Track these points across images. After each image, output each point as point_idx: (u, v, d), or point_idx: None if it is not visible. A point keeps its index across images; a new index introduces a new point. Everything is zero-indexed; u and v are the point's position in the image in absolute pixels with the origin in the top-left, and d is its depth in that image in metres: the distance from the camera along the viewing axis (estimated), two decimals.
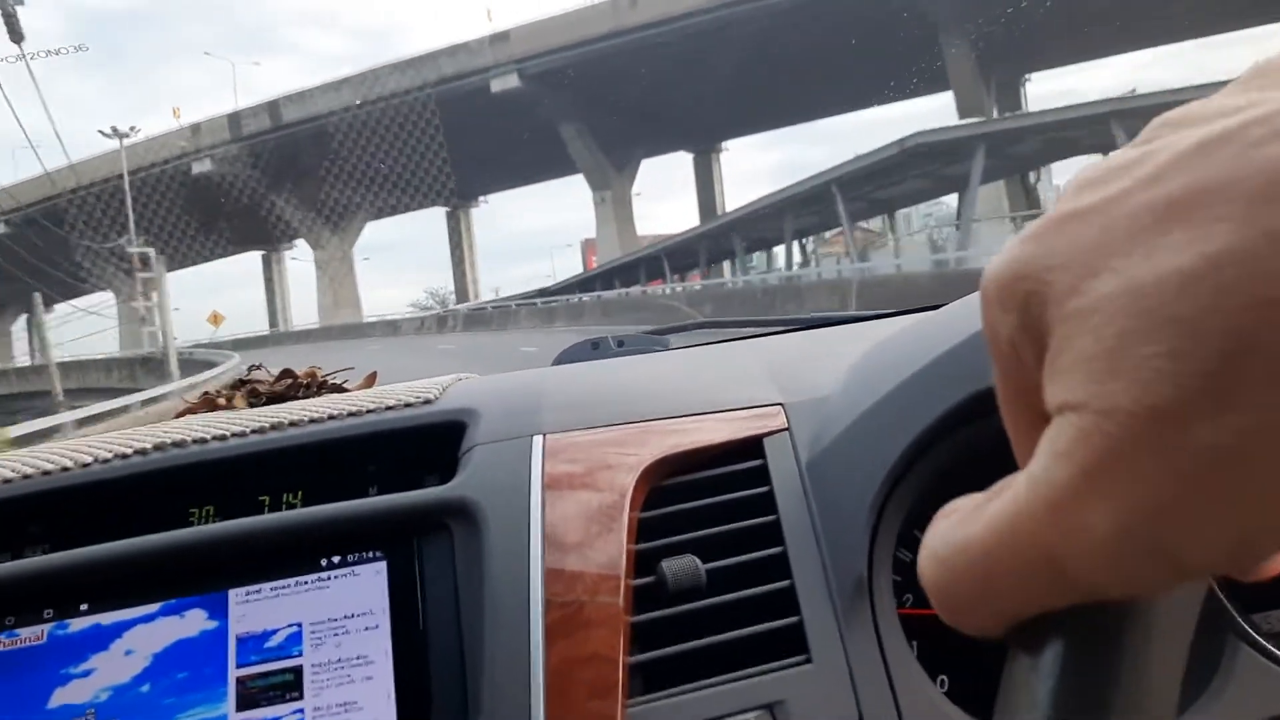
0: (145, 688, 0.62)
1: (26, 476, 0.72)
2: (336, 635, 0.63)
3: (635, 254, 37.32)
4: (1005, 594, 0.21)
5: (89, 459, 0.72)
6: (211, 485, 0.74)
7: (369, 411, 0.74)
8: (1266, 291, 0.17)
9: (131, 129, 41.31)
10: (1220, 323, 0.17)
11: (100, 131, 41.15)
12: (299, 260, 53.69)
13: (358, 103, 42.33)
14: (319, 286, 49.57)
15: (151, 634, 0.64)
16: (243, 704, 0.62)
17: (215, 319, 35.35)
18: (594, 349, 1.11)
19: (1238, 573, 0.20)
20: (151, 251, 29.36)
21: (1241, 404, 0.17)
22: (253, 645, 0.63)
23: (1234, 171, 0.18)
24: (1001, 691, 0.23)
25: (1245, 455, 0.17)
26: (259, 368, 0.87)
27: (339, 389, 0.84)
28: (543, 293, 39.08)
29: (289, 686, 0.62)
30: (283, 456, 0.73)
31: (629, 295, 32.38)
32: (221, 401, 0.84)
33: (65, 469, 0.72)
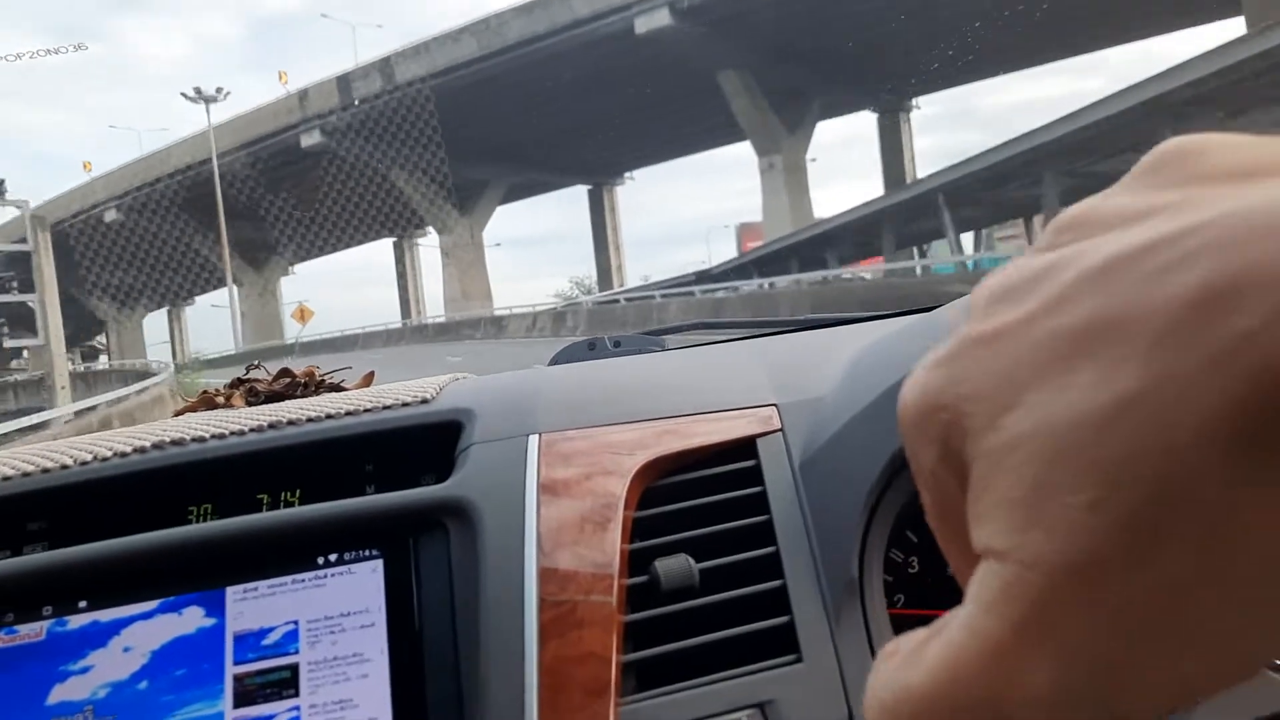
0: (143, 684, 0.63)
1: (26, 474, 0.72)
2: (333, 633, 0.64)
3: (829, 222, 27.26)
4: None
5: (88, 457, 0.73)
6: (210, 483, 0.75)
7: (366, 411, 0.74)
8: (1175, 438, 0.16)
9: (219, 90, 36.65)
10: (1135, 471, 0.17)
11: (183, 95, 36.47)
12: (433, 248, 45.12)
13: (477, 55, 32.66)
14: (445, 276, 41.84)
15: (149, 631, 0.64)
16: (239, 701, 0.62)
17: (302, 314, 31.30)
18: (590, 349, 1.11)
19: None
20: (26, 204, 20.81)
21: (1161, 556, 0.17)
22: (250, 643, 0.64)
23: (1135, 305, 0.18)
24: None
25: (1171, 607, 0.17)
26: (257, 366, 0.88)
27: (337, 388, 0.85)
28: (702, 277, 29.57)
29: (285, 684, 0.62)
30: (281, 455, 0.74)
31: (843, 280, 23.57)
32: (220, 400, 0.84)
33: (65, 467, 0.72)
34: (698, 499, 0.69)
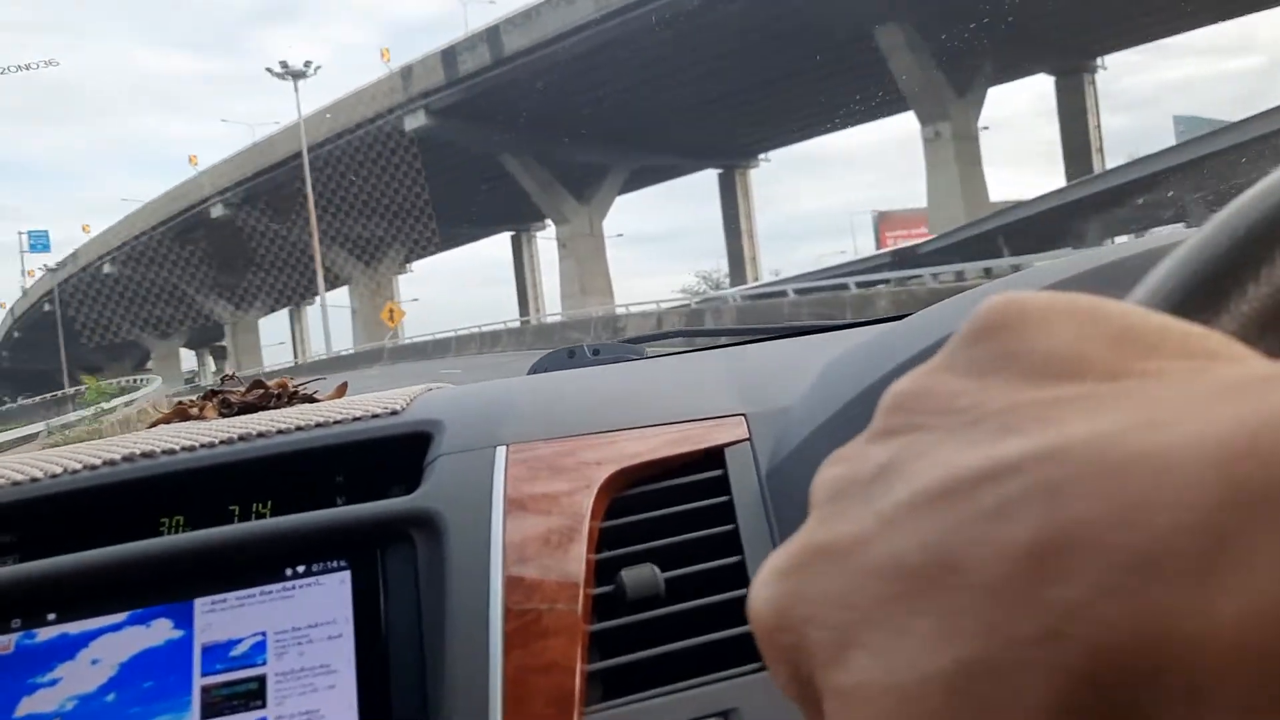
0: (111, 697, 0.63)
1: None
2: (300, 644, 0.64)
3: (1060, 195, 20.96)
4: None
5: (59, 469, 0.73)
6: (182, 495, 0.75)
7: (336, 423, 0.75)
8: (1018, 714, 0.15)
9: (308, 64, 32.58)
10: None
11: (268, 70, 32.88)
12: (552, 240, 37.90)
13: (594, 18, 27.05)
14: (562, 270, 36.14)
15: (118, 643, 0.65)
16: (207, 712, 0.62)
17: (391, 315, 28.25)
18: (570, 357, 1.11)
19: None
20: None
21: None
22: (217, 654, 0.64)
23: (968, 549, 0.17)
24: None
25: None
26: (231, 377, 0.88)
27: (310, 399, 0.85)
28: (900, 257, 22.66)
29: (253, 695, 0.63)
30: (252, 467, 0.74)
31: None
32: (194, 412, 0.85)
33: (35, 479, 0.73)
34: (665, 509, 0.69)
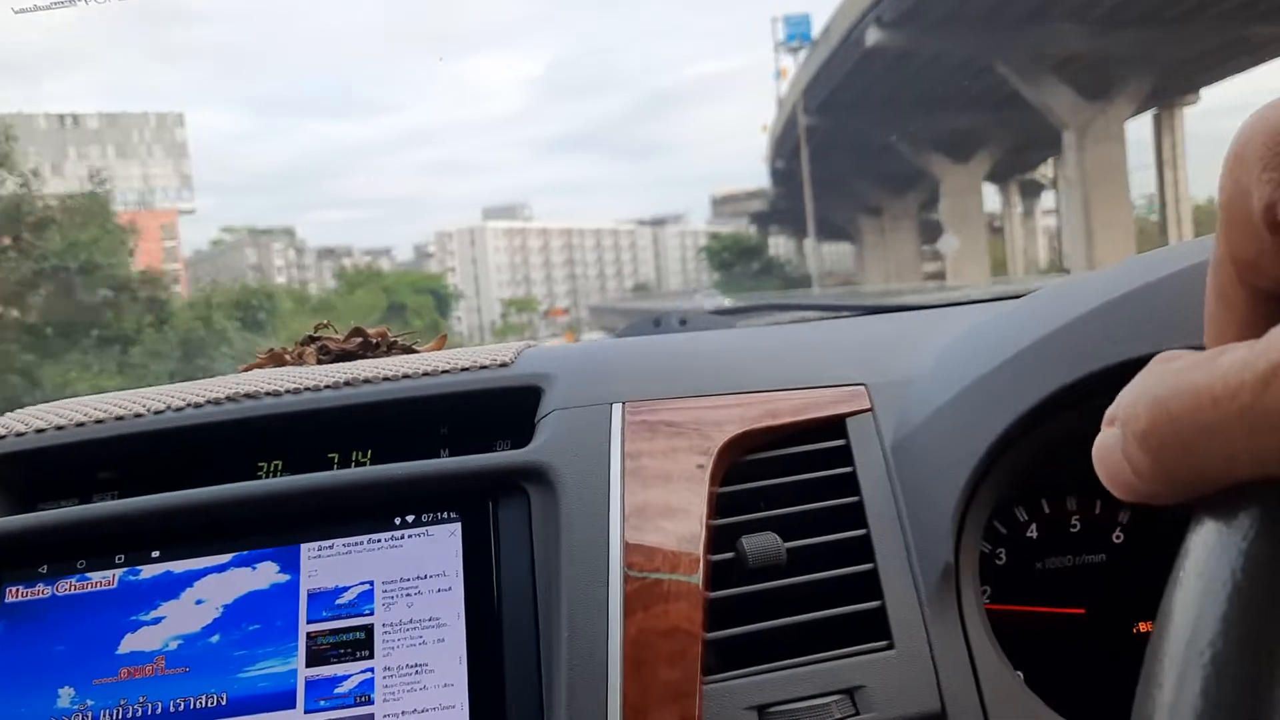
0: (215, 638, 0.61)
1: (99, 421, 0.71)
2: (408, 595, 0.62)
3: None
4: (1219, 451, 0.20)
5: (161, 406, 0.72)
6: (280, 439, 0.73)
7: (444, 372, 0.73)
8: None
9: None
10: None
11: None
12: None
13: None
14: None
15: (223, 584, 0.63)
16: (312, 660, 0.61)
17: None
18: (655, 326, 1.09)
19: None
20: None
21: None
22: (324, 601, 0.62)
23: None
24: (1177, 569, 0.21)
25: None
26: (326, 325, 0.86)
27: (410, 350, 0.83)
28: None
29: (359, 645, 0.61)
30: (353, 414, 0.72)
31: None
32: (289, 359, 0.83)
33: (137, 415, 0.71)
34: (784, 477, 0.67)
